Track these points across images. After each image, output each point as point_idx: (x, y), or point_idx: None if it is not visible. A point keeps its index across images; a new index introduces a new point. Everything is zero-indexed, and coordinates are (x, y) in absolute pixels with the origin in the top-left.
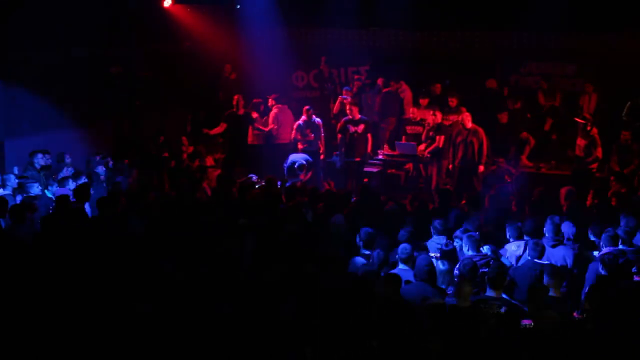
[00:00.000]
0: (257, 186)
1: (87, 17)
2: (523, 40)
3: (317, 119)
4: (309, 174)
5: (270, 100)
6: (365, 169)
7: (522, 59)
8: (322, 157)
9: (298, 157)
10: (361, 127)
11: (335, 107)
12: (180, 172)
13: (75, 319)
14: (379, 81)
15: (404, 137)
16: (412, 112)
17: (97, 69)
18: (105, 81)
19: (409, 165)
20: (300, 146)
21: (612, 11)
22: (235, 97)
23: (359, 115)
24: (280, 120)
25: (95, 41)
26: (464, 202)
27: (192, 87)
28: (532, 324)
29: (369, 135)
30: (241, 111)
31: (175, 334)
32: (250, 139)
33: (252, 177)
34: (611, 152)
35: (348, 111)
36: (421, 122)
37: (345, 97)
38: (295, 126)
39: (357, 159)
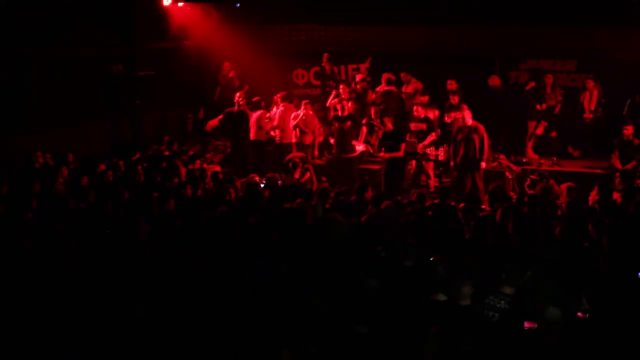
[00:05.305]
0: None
1: (87, 16)
2: (522, 35)
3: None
4: (307, 174)
5: (277, 98)
6: (366, 167)
7: (521, 55)
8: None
9: (293, 155)
10: (348, 123)
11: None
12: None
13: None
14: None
15: (408, 135)
16: (415, 110)
17: (97, 68)
18: (106, 80)
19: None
20: (294, 140)
21: (613, 5)
22: (237, 94)
23: (347, 112)
24: (286, 119)
25: (95, 40)
26: (462, 204)
27: (192, 86)
28: (536, 326)
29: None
30: (241, 108)
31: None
32: (253, 136)
33: (253, 176)
34: (612, 148)
35: (339, 107)
36: (426, 120)
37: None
38: (292, 117)
39: (344, 155)
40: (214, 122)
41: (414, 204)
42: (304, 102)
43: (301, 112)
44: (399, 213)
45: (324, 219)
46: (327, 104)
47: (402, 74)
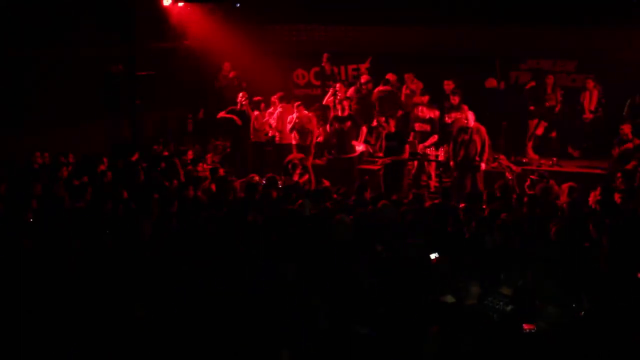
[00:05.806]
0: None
1: (87, 16)
2: (522, 35)
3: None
4: (306, 176)
5: (274, 99)
6: (366, 167)
7: (521, 55)
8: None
9: (293, 157)
10: (348, 124)
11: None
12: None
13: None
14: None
15: (412, 135)
16: (420, 110)
17: (97, 68)
18: (106, 80)
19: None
20: (294, 142)
21: (613, 5)
22: (240, 94)
23: (347, 112)
24: (284, 120)
25: (95, 40)
26: (462, 205)
27: (192, 86)
28: (535, 329)
29: (362, 130)
30: (244, 108)
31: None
32: (252, 137)
33: (253, 176)
34: (612, 147)
35: (339, 107)
36: (430, 121)
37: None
38: (288, 120)
39: (344, 156)
40: (222, 113)
41: (413, 204)
42: (296, 104)
43: (294, 115)
44: (397, 213)
45: (320, 218)
46: (324, 102)
47: (406, 75)
